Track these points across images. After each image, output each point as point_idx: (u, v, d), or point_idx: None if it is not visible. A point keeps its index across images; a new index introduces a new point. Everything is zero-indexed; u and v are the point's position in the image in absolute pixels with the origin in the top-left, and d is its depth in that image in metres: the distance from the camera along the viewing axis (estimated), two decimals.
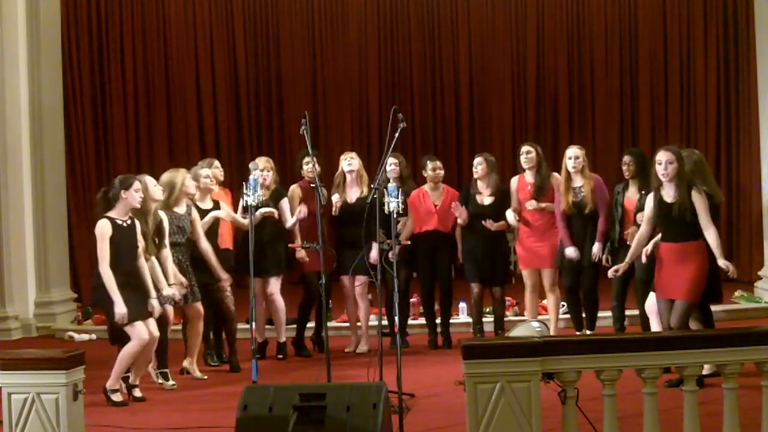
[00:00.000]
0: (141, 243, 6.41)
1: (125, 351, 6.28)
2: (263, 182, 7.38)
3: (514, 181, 7.81)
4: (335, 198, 7.72)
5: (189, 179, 7.11)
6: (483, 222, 7.62)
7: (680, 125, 12.10)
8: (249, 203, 6.22)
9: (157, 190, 6.64)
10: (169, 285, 6.60)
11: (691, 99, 12.13)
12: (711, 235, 6.00)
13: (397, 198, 5.85)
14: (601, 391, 4.17)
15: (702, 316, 6.49)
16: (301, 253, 7.64)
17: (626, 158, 7.31)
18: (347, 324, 8.24)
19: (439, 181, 7.97)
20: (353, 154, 7.90)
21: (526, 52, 12.63)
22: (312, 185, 7.21)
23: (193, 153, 11.97)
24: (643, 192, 6.98)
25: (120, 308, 6.13)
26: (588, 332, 7.52)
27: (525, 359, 4.00)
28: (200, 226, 7.13)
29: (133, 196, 6.27)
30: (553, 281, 7.66)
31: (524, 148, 7.74)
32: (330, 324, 7.71)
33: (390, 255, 7.30)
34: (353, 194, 7.78)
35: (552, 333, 7.46)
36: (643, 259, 6.42)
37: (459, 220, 7.74)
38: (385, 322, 7.51)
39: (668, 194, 6.09)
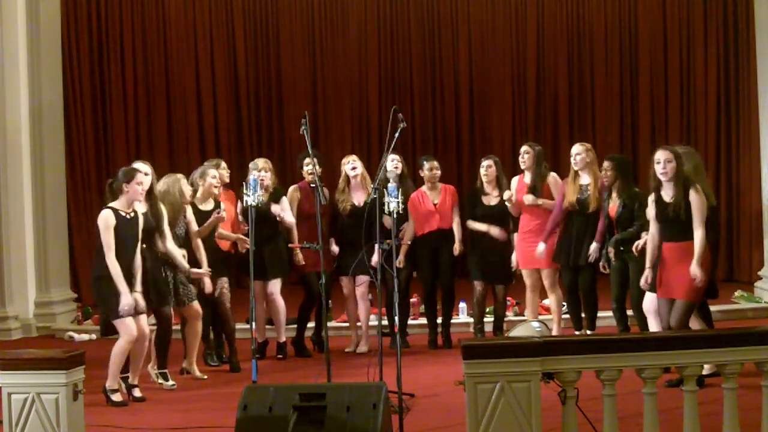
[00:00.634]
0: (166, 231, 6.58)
1: (115, 348, 6.28)
2: (261, 183, 7.30)
3: (514, 181, 7.85)
4: (334, 250, 7.75)
5: (185, 185, 7.06)
6: (492, 232, 7.70)
7: (680, 125, 12.09)
8: (249, 203, 6.22)
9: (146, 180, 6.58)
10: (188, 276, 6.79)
11: (691, 99, 12.13)
12: (698, 236, 5.97)
13: (397, 198, 5.85)
14: (601, 391, 4.17)
15: (702, 316, 6.50)
16: (298, 256, 7.62)
17: (605, 164, 7.25)
18: (347, 324, 8.24)
19: (437, 181, 7.98)
20: (355, 157, 7.90)
21: (526, 52, 12.63)
22: (312, 185, 7.22)
23: (193, 153, 11.98)
24: (623, 200, 6.96)
25: (126, 298, 6.13)
26: (588, 332, 7.52)
27: (525, 359, 4.00)
28: (194, 226, 7.09)
29: (135, 189, 6.26)
30: (553, 281, 7.66)
31: (522, 149, 7.80)
32: (330, 324, 7.71)
33: (398, 262, 7.42)
34: (360, 197, 7.76)
35: (555, 333, 7.49)
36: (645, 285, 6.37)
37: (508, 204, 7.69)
38: (385, 322, 7.52)
39: (667, 194, 6.09)
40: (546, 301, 8.27)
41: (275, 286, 7.64)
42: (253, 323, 6.31)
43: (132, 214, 6.31)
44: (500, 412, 3.97)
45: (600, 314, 7.70)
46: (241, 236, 7.47)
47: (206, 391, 6.76)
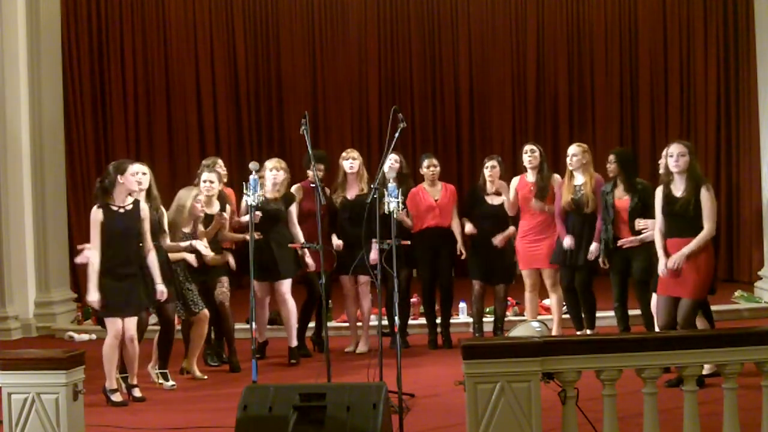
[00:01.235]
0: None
1: (104, 348, 6.29)
2: (274, 180, 7.49)
3: (515, 180, 7.84)
4: (337, 243, 7.68)
5: (198, 200, 7.05)
6: (493, 240, 7.74)
7: (680, 125, 12.09)
8: (249, 203, 6.22)
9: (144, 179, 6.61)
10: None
11: (691, 99, 12.13)
12: (705, 231, 5.98)
13: (397, 198, 5.85)
14: (601, 391, 4.17)
15: (703, 316, 6.50)
16: (307, 258, 7.56)
17: (610, 157, 7.46)
18: (347, 324, 8.24)
19: (436, 178, 7.98)
20: (355, 154, 7.90)
21: (526, 52, 12.64)
22: (312, 185, 7.21)
23: (193, 153, 11.98)
24: (631, 194, 6.98)
25: (92, 296, 6.17)
26: (588, 331, 7.52)
27: (525, 359, 4.00)
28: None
29: (129, 180, 6.28)
30: (554, 281, 7.66)
31: (528, 147, 7.77)
32: (330, 324, 7.71)
33: (402, 218, 7.50)
34: (353, 192, 7.80)
35: (555, 332, 7.49)
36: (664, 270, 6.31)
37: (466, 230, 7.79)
38: (385, 322, 7.52)
39: (677, 188, 6.08)
40: (546, 301, 8.28)
41: (286, 286, 7.57)
42: (253, 323, 6.30)
43: (129, 207, 6.30)
44: (500, 412, 3.97)
45: (600, 314, 7.71)
46: (247, 237, 7.43)
47: (206, 391, 6.76)
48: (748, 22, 11.07)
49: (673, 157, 6.06)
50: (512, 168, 8.18)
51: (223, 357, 7.59)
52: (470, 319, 8.38)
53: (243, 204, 7.27)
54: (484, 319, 8.20)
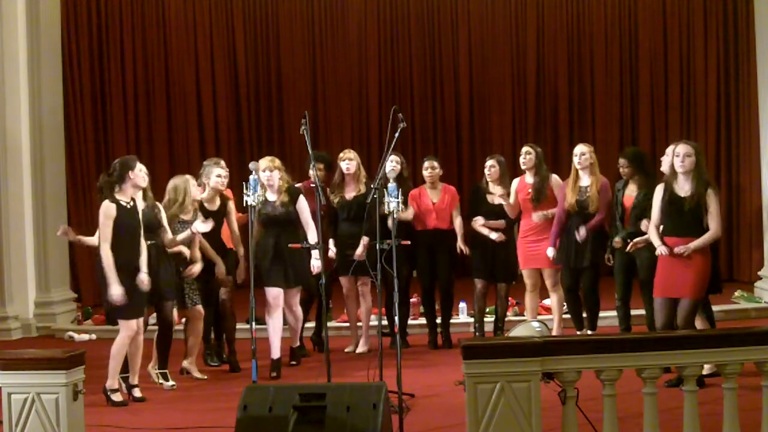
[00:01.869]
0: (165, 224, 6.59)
1: (115, 345, 6.30)
2: (268, 182, 7.02)
3: (515, 183, 7.84)
4: (332, 252, 7.66)
5: (193, 186, 7.08)
6: (489, 235, 7.72)
7: (680, 125, 12.09)
8: (249, 203, 6.22)
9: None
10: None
11: (691, 99, 12.13)
12: (711, 232, 5.99)
13: (397, 198, 5.85)
14: (601, 391, 4.17)
15: (704, 317, 6.50)
16: (315, 261, 7.48)
17: (621, 161, 7.40)
18: (347, 324, 8.24)
19: (436, 180, 7.98)
20: (352, 154, 7.89)
21: (526, 52, 12.63)
22: (312, 185, 7.21)
23: (193, 153, 11.98)
24: (645, 191, 6.99)
25: (116, 289, 6.13)
26: (589, 332, 7.52)
27: (525, 359, 4.01)
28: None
29: (138, 177, 6.34)
30: (554, 281, 7.66)
31: (524, 149, 7.79)
32: (330, 324, 7.71)
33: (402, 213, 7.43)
34: (351, 192, 7.80)
35: (556, 332, 7.48)
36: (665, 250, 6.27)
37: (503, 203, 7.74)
38: (385, 322, 7.53)
39: (682, 188, 6.07)
40: (546, 301, 8.27)
41: (296, 297, 7.28)
42: (253, 323, 6.30)
43: (132, 204, 6.33)
44: (500, 412, 3.97)
45: (601, 314, 7.71)
46: (219, 261, 7.22)
47: (206, 391, 6.76)
48: (748, 22, 11.07)
49: (680, 157, 6.05)
50: (512, 168, 8.17)
51: (223, 357, 7.59)
52: (470, 319, 8.38)
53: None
54: (485, 319, 8.20)
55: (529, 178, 7.73)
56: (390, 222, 6.17)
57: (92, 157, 11.51)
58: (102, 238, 6.19)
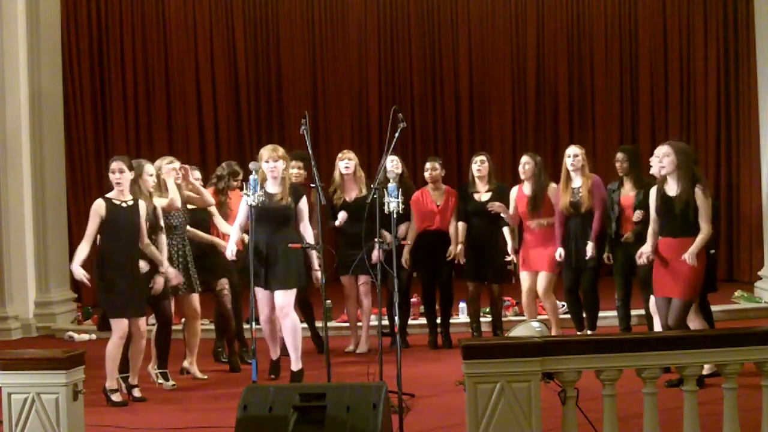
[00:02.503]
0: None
1: (108, 347, 6.30)
2: (272, 174, 6.51)
3: (514, 191, 7.80)
4: (342, 216, 7.63)
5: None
6: (488, 208, 7.63)
7: (680, 125, 12.10)
8: (249, 203, 6.21)
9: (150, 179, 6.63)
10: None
11: (691, 99, 12.13)
12: (704, 232, 5.98)
13: (397, 198, 5.85)
14: (601, 391, 4.17)
15: (703, 317, 6.50)
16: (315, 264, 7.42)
17: (619, 155, 7.40)
18: (347, 324, 8.24)
19: (438, 181, 7.97)
20: (350, 155, 7.88)
21: (526, 52, 12.64)
22: (312, 185, 7.19)
23: (193, 152, 11.97)
24: (639, 189, 7.00)
25: (77, 272, 6.15)
26: (589, 332, 7.51)
27: (525, 359, 4.01)
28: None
29: (146, 180, 6.45)
30: (547, 286, 7.56)
31: (523, 159, 7.74)
32: (330, 324, 7.70)
33: (404, 261, 7.59)
34: (352, 193, 7.79)
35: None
36: (643, 260, 6.36)
37: (503, 215, 7.67)
38: (385, 322, 7.52)
39: (671, 188, 6.07)
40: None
41: (285, 299, 6.65)
42: (253, 323, 6.30)
43: (131, 203, 6.31)
44: (500, 412, 3.97)
45: (601, 314, 7.70)
46: (217, 240, 7.16)
47: (206, 391, 6.75)
48: (748, 22, 11.07)
49: (659, 158, 6.07)
50: (513, 168, 8.16)
51: (223, 357, 7.59)
52: (470, 319, 8.37)
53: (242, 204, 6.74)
54: (483, 319, 8.19)
55: (527, 188, 7.72)
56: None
57: (92, 157, 11.51)
58: (86, 235, 6.23)
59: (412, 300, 8.47)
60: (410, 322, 8.41)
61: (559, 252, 7.42)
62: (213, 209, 7.28)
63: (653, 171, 6.56)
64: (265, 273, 6.51)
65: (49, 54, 10.11)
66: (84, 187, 11.32)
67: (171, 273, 6.57)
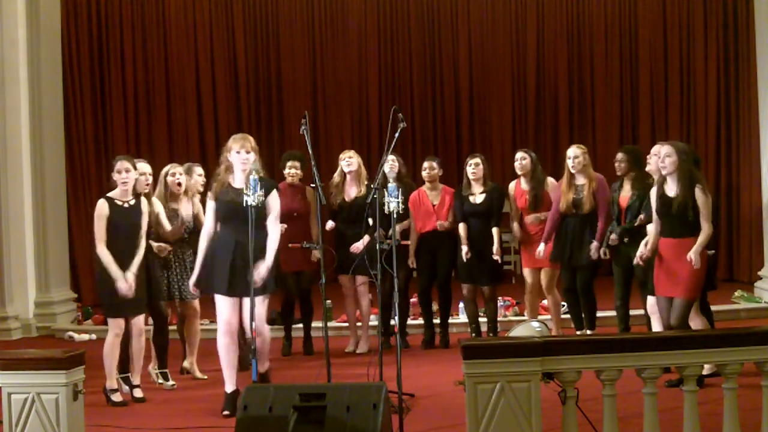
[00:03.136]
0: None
1: (105, 346, 6.30)
2: (243, 166, 5.85)
3: (512, 188, 7.82)
4: (330, 225, 7.73)
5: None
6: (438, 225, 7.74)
7: (680, 125, 12.10)
8: (249, 203, 6.18)
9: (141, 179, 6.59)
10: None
11: (691, 99, 12.14)
12: (704, 232, 5.98)
13: (397, 198, 5.84)
14: (601, 391, 4.17)
15: (704, 316, 6.50)
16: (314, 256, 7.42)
17: (619, 155, 7.36)
18: (347, 324, 8.24)
19: (435, 181, 7.97)
20: (352, 153, 7.89)
21: (526, 52, 12.64)
22: (318, 186, 7.18)
23: (193, 153, 11.97)
24: (634, 191, 7.00)
25: (122, 283, 6.13)
26: (588, 332, 7.51)
27: (525, 359, 4.01)
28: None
29: (140, 180, 6.39)
30: (550, 282, 7.62)
31: (518, 154, 7.76)
32: (330, 324, 7.70)
33: (410, 263, 7.63)
34: (351, 193, 7.79)
35: (554, 334, 7.47)
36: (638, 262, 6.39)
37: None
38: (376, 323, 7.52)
39: (670, 188, 6.07)
40: (546, 301, 8.26)
41: (261, 309, 5.97)
42: (253, 323, 6.28)
43: (132, 203, 6.31)
44: (500, 412, 3.97)
45: (600, 314, 7.70)
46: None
47: (206, 391, 6.75)
48: (748, 22, 11.07)
49: (660, 158, 6.07)
50: (512, 168, 8.15)
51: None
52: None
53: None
54: (483, 319, 8.19)
55: (524, 184, 7.72)
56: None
57: (92, 157, 11.51)
58: (96, 238, 6.21)
59: (411, 300, 8.46)
60: (410, 322, 8.40)
61: (541, 249, 7.43)
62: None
63: (650, 168, 6.55)
64: (230, 277, 5.78)
65: (49, 54, 10.11)
66: (84, 187, 11.32)
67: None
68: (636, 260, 6.40)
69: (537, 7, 12.54)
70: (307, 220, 7.74)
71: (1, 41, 9.53)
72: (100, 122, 11.76)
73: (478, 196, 7.75)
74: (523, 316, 8.33)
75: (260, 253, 5.73)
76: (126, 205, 6.28)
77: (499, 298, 8.65)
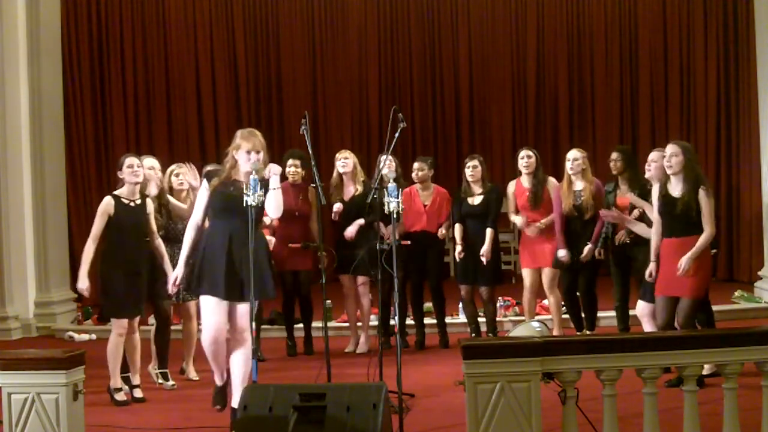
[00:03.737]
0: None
1: (109, 345, 6.32)
2: (251, 167, 5.43)
3: (512, 186, 7.81)
4: (337, 207, 7.69)
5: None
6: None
7: (680, 125, 12.10)
8: (249, 203, 6.16)
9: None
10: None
11: (691, 99, 12.13)
12: (706, 234, 5.99)
13: (398, 198, 5.84)
14: (601, 391, 4.17)
15: (704, 316, 6.50)
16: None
17: (613, 155, 7.38)
18: (347, 324, 8.24)
19: (426, 181, 7.95)
20: (347, 153, 7.91)
21: (526, 52, 12.64)
22: (318, 186, 7.16)
23: (193, 153, 11.95)
24: (632, 190, 7.01)
25: (81, 283, 6.19)
26: (588, 332, 7.51)
27: (525, 359, 4.01)
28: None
29: (126, 173, 6.31)
30: (552, 281, 7.62)
31: (524, 153, 7.73)
32: (330, 324, 7.70)
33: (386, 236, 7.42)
34: (349, 192, 7.80)
35: (555, 333, 7.46)
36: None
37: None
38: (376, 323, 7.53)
39: (674, 188, 6.07)
40: (546, 301, 8.26)
41: (245, 316, 5.53)
42: (253, 323, 6.27)
43: (138, 202, 6.31)
44: (500, 412, 3.97)
45: (600, 314, 7.71)
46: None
47: (206, 391, 6.71)
48: (748, 22, 11.06)
49: (666, 157, 6.07)
50: (513, 168, 8.15)
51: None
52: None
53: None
54: (482, 319, 8.18)
55: (525, 182, 7.71)
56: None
57: (92, 157, 11.50)
58: (91, 234, 6.22)
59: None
60: (410, 322, 8.39)
61: (563, 253, 7.37)
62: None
63: (649, 175, 6.55)
64: (226, 279, 5.37)
65: (49, 54, 10.11)
66: (84, 187, 11.31)
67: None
68: (648, 277, 6.34)
69: (537, 7, 12.54)
70: (308, 220, 7.75)
71: (1, 41, 9.53)
72: (100, 122, 11.76)
73: (476, 198, 7.74)
74: (523, 316, 8.32)
75: (258, 253, 5.33)
76: (132, 204, 6.28)
77: (499, 298, 8.66)
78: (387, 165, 7.41)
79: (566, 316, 7.85)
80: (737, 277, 11.25)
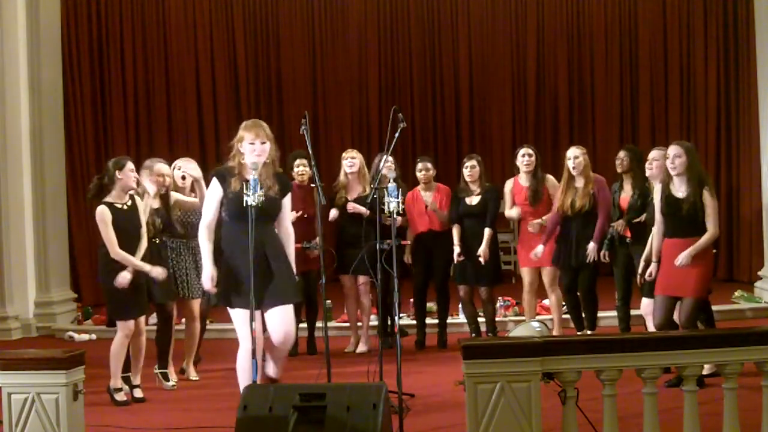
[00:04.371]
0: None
1: (113, 346, 6.31)
2: (260, 157, 5.37)
3: (509, 184, 7.81)
4: (333, 214, 7.70)
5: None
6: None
7: (680, 125, 12.10)
8: (249, 203, 6.15)
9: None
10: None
11: (691, 99, 12.14)
12: (709, 233, 5.99)
13: (398, 198, 5.84)
14: (601, 391, 4.17)
15: (704, 316, 6.51)
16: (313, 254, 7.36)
17: (621, 153, 7.40)
18: (347, 324, 8.24)
19: (429, 182, 7.95)
20: (354, 153, 7.90)
21: (526, 52, 12.65)
22: (300, 186, 7.17)
23: (193, 153, 11.91)
24: (638, 190, 7.01)
25: (155, 272, 6.26)
26: (588, 332, 7.51)
27: (525, 359, 4.01)
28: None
29: (128, 176, 6.29)
30: (552, 280, 7.63)
31: (524, 151, 7.73)
32: (330, 324, 7.70)
33: (406, 259, 7.66)
34: (354, 193, 7.80)
35: (555, 333, 7.47)
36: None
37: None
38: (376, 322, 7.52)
39: (678, 189, 6.07)
40: (546, 301, 8.26)
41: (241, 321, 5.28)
42: (253, 323, 6.27)
43: (129, 204, 6.32)
44: (500, 412, 3.97)
45: (600, 314, 7.70)
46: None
47: (206, 391, 6.75)
48: (748, 22, 11.06)
49: (670, 158, 6.06)
50: (512, 168, 8.15)
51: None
52: None
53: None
54: (482, 319, 8.18)
55: (524, 180, 7.71)
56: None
57: (92, 157, 11.50)
58: (108, 244, 6.17)
59: (411, 300, 8.45)
60: (410, 321, 8.40)
61: (539, 250, 7.42)
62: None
63: (651, 174, 6.56)
64: (259, 287, 5.02)
65: (49, 54, 10.10)
66: (84, 187, 11.22)
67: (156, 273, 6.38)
68: (648, 276, 6.35)
69: (537, 7, 12.55)
70: (314, 221, 7.72)
71: (1, 41, 9.52)
72: (100, 122, 11.76)
73: (474, 198, 7.73)
74: (523, 316, 8.32)
75: (279, 256, 5.16)
76: (124, 206, 6.29)
77: (499, 298, 8.66)
78: (386, 165, 7.44)
79: (567, 315, 7.85)
80: (737, 277, 11.25)
